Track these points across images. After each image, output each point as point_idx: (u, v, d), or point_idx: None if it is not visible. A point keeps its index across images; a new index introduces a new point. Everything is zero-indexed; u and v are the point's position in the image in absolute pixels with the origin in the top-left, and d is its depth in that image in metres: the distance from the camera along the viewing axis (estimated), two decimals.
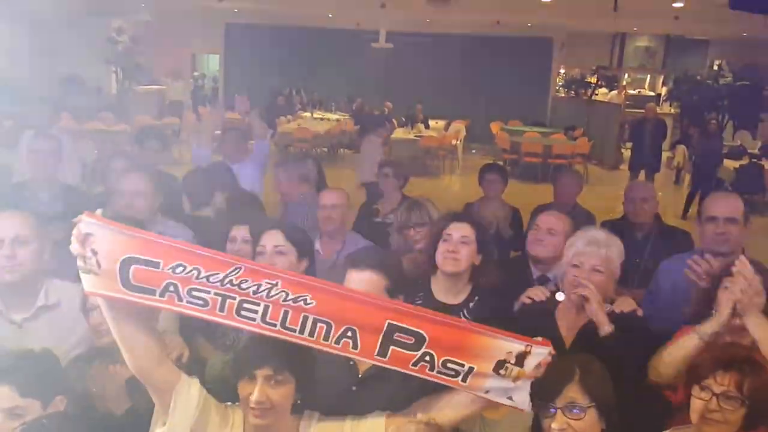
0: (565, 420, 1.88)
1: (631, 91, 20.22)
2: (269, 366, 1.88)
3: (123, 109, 15.15)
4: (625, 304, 2.79)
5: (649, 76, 20.93)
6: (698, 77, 16.51)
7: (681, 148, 13.75)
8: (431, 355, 1.75)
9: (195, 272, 1.69)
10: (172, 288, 1.70)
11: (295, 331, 1.73)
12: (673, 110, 17.66)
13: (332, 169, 13.68)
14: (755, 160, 12.40)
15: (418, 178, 10.06)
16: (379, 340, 1.75)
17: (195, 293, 1.70)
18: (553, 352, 1.82)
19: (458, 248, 2.82)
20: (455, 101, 19.10)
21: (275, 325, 1.73)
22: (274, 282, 1.71)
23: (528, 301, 2.86)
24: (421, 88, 18.89)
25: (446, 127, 16.63)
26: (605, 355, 2.41)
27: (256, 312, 1.72)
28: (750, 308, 2.22)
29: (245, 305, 1.72)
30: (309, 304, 1.72)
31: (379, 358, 1.76)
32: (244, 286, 1.70)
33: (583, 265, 2.60)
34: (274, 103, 17.28)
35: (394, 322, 1.74)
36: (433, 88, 19.08)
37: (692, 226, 3.65)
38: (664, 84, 19.80)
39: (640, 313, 2.78)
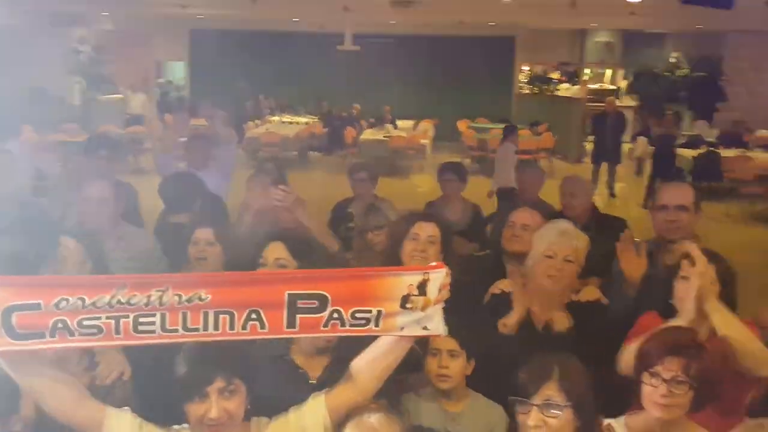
0: (540, 417, 1.90)
1: (592, 86, 20.50)
2: (220, 378, 1.82)
3: (87, 120, 15.00)
4: (590, 294, 2.93)
5: (609, 70, 21.22)
6: (656, 70, 16.91)
7: (641, 140, 14.08)
8: (339, 312, 1.77)
9: (80, 302, 1.65)
10: (60, 324, 1.65)
11: (198, 330, 1.72)
12: (633, 103, 18.04)
13: (302, 172, 13.81)
14: (712, 148, 12.72)
15: (387, 179, 10.20)
16: (285, 313, 1.75)
17: (86, 323, 1.66)
18: (448, 271, 1.83)
19: (426, 247, 2.86)
20: (422, 101, 19.26)
21: (177, 331, 1.71)
22: (163, 289, 1.68)
23: (498, 291, 2.96)
24: (389, 89, 19.00)
25: (414, 127, 16.80)
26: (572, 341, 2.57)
27: (153, 324, 1.69)
28: (708, 295, 2.29)
29: (141, 320, 1.68)
30: (204, 299, 1.70)
31: (289, 330, 1.76)
32: (133, 301, 1.67)
33: (556, 256, 2.73)
34: (242, 109, 17.28)
35: (294, 291, 1.74)
36: (401, 88, 19.20)
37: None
38: (623, 78, 20.16)
39: (605, 301, 2.91)
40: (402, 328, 1.83)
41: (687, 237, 3.13)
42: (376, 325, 1.80)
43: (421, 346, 2.41)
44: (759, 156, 12.40)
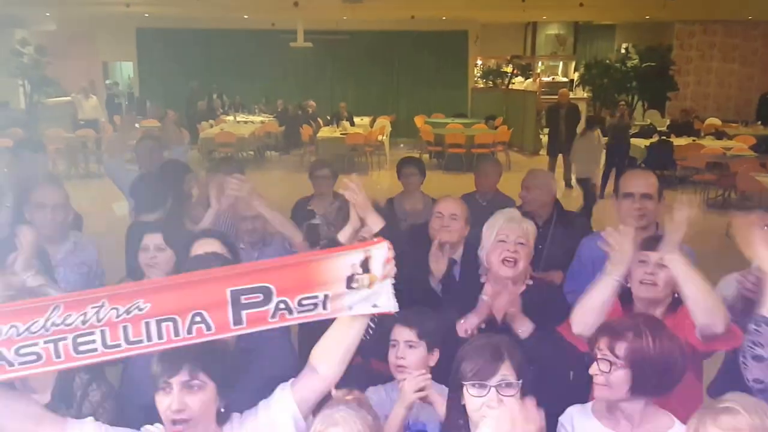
0: (498, 397, 1.92)
1: (545, 78, 20.77)
2: (184, 370, 1.80)
3: (33, 124, 14.55)
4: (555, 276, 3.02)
5: (561, 62, 21.52)
6: (607, 61, 17.12)
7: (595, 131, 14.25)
8: (285, 302, 1.73)
9: (13, 330, 1.58)
10: None
11: (141, 342, 1.66)
12: (585, 94, 18.27)
13: (260, 172, 13.61)
14: (664, 137, 12.97)
15: (347, 176, 10.10)
16: (229, 311, 1.70)
17: (23, 350, 1.60)
18: (390, 245, 1.82)
19: None
20: (378, 97, 19.23)
21: (120, 346, 1.65)
22: (99, 304, 1.62)
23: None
24: (344, 85, 18.92)
25: (372, 124, 16.72)
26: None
27: (94, 342, 1.63)
28: (674, 247, 2.31)
29: (80, 340, 1.62)
30: (143, 308, 1.64)
31: (237, 327, 1.72)
32: (69, 321, 1.60)
33: (508, 239, 2.78)
34: (195, 109, 16.94)
35: (236, 288, 1.70)
36: (356, 85, 19.14)
37: (606, 205, 3.79)
38: (575, 69, 20.37)
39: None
40: (351, 308, 1.80)
41: (651, 225, 3.19)
42: (325, 309, 1.77)
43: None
44: (709, 143, 12.68)
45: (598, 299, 2.38)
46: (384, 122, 16.56)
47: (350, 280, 1.76)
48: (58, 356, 1.61)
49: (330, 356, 1.93)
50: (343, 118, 15.77)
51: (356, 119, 16.46)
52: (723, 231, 8.83)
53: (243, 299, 1.70)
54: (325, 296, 1.75)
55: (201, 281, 1.72)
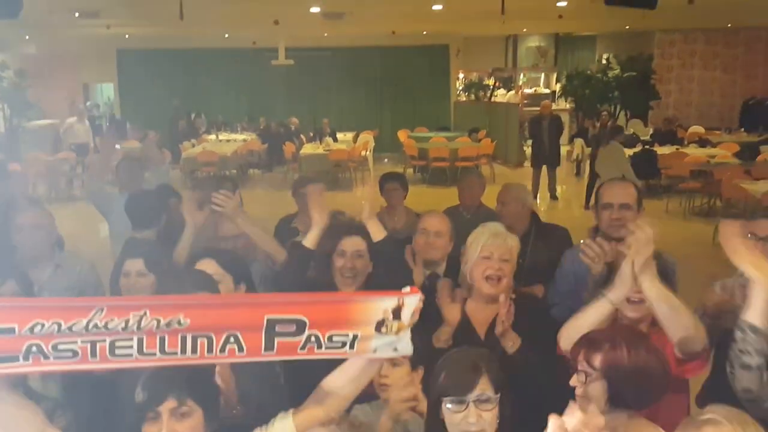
0: (478, 413, 1.94)
1: (528, 90, 20.88)
2: (171, 397, 1.80)
3: (14, 148, 14.41)
4: (537, 290, 3.03)
5: (542, 74, 21.64)
6: (588, 72, 17.20)
7: (578, 141, 14.31)
8: (316, 336, 1.79)
9: (55, 326, 1.62)
10: (35, 348, 1.63)
11: (176, 354, 1.70)
12: (568, 105, 18.36)
13: (243, 190, 13.36)
14: (648, 146, 13.02)
15: (330, 192, 10.04)
16: (263, 337, 1.76)
17: (61, 347, 1.63)
18: (422, 296, 1.86)
19: (354, 263, 2.93)
20: (361, 113, 19.26)
21: (154, 354, 1.69)
22: (141, 313, 1.66)
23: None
24: (326, 102, 18.96)
25: (355, 139, 16.70)
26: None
27: (130, 347, 1.67)
28: (645, 268, 2.23)
29: (117, 344, 1.66)
30: (183, 323, 1.69)
31: (267, 353, 1.77)
32: (111, 325, 1.64)
33: (492, 255, 2.73)
34: (176, 129, 16.84)
35: (273, 316, 1.75)
36: (338, 101, 19.18)
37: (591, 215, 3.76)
38: (557, 81, 20.45)
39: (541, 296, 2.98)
40: (375, 351, 1.86)
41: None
42: (352, 348, 1.83)
43: None
44: (693, 152, 12.74)
45: (590, 321, 2.31)
46: (367, 137, 16.55)
47: (380, 324, 1.82)
48: (93, 356, 1.65)
49: (342, 392, 1.95)
50: (326, 134, 15.74)
51: (339, 135, 16.44)
52: (709, 239, 8.85)
53: (277, 327, 1.76)
54: (354, 336, 1.81)
55: (241, 304, 1.82)
